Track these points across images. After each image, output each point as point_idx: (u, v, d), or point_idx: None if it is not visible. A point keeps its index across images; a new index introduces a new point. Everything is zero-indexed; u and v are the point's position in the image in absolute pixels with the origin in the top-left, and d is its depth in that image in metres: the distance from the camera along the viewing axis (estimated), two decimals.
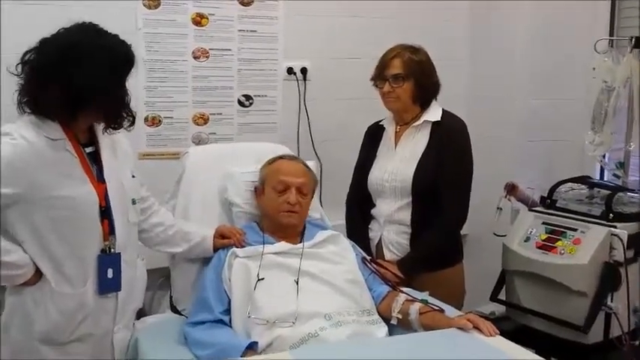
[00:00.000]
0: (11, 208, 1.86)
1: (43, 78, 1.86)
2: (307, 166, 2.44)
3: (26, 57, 1.89)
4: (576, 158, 3.27)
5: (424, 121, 2.55)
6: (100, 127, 2.03)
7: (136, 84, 2.90)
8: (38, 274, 1.93)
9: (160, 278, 2.93)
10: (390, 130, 2.64)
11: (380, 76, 2.56)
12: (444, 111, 2.59)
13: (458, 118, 2.60)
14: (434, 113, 2.57)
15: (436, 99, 2.60)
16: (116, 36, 1.94)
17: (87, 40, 1.88)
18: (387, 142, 2.64)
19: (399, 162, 2.56)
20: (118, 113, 1.98)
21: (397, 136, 2.62)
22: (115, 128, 2.01)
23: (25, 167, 1.83)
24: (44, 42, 1.90)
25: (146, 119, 2.98)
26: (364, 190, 2.67)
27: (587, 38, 3.16)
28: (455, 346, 1.90)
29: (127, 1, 2.87)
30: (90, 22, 1.94)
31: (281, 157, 2.44)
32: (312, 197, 2.43)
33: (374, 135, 2.72)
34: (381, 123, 2.70)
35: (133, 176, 2.13)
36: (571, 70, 3.25)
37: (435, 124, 2.55)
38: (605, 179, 3.09)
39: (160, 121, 3.02)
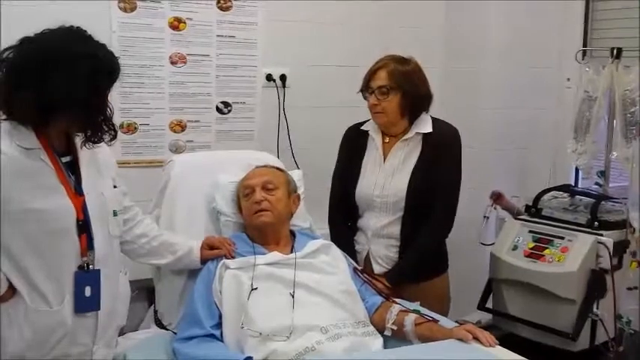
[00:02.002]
0: None
1: (18, 79, 1.75)
2: (277, 168, 2.41)
3: (4, 55, 1.77)
4: (548, 166, 3.31)
5: (415, 133, 2.50)
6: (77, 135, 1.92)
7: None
8: (12, 290, 1.80)
9: (134, 291, 2.84)
10: (377, 140, 2.56)
11: (366, 88, 2.49)
12: (434, 120, 2.53)
13: (449, 126, 2.55)
14: (424, 124, 2.50)
15: (427, 111, 2.54)
16: (103, 45, 1.84)
17: (70, 45, 1.77)
18: (375, 154, 2.56)
19: (389, 176, 2.50)
20: (96, 125, 1.86)
21: (385, 148, 2.54)
22: (94, 142, 1.88)
23: None
24: (25, 41, 1.78)
25: (121, 126, 2.88)
26: (348, 200, 2.59)
27: (556, 47, 3.22)
28: (458, 357, 1.88)
29: (100, 3, 2.76)
30: (78, 27, 1.83)
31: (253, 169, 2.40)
32: (292, 196, 2.36)
33: (356, 141, 2.62)
34: (363, 128, 2.61)
35: (115, 186, 2.02)
36: (541, 79, 3.30)
37: (426, 134, 2.50)
38: (580, 186, 3.12)
39: (135, 128, 2.92)
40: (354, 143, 2.62)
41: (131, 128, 2.91)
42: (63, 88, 1.73)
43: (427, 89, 2.52)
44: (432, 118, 2.54)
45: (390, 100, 2.44)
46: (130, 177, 2.77)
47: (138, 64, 2.87)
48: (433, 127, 2.49)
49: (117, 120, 2.80)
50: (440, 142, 2.48)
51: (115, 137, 1.93)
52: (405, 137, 2.50)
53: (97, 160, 1.97)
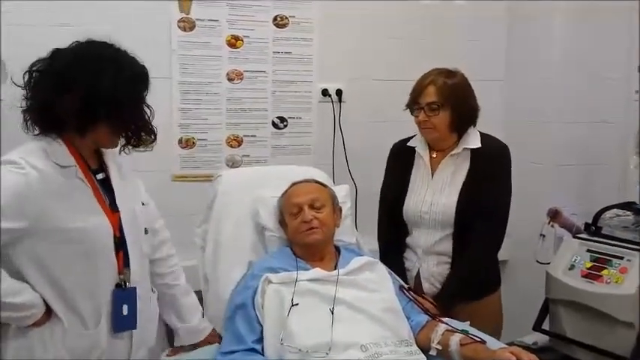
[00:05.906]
0: (16, 244, 1.71)
1: (58, 85, 1.74)
2: (320, 183, 2.40)
3: (35, 67, 1.79)
4: (614, 183, 3.17)
5: (463, 148, 2.46)
6: (108, 152, 1.92)
7: (170, 106, 2.92)
8: (47, 314, 1.79)
9: None
10: (425, 156, 2.52)
11: (414, 103, 2.45)
12: (482, 135, 2.48)
13: (498, 142, 2.49)
14: (473, 139, 2.46)
15: (475, 125, 2.49)
16: (133, 56, 1.86)
17: (106, 51, 1.81)
18: (422, 170, 2.53)
19: (438, 192, 2.46)
20: (137, 128, 1.85)
21: (433, 163, 2.51)
22: (134, 145, 1.89)
23: (35, 198, 1.69)
24: (57, 51, 1.81)
25: (180, 141, 2.97)
26: (397, 218, 2.56)
27: (624, 59, 3.08)
28: None
29: (161, 22, 2.85)
30: (103, 40, 1.85)
31: (293, 184, 2.39)
32: (336, 210, 2.36)
33: (403, 157, 2.59)
34: (409, 144, 2.58)
35: (143, 203, 2.02)
36: (607, 92, 3.17)
37: (474, 149, 2.45)
38: None
39: (193, 143, 3.00)
40: (401, 160, 2.59)
41: (189, 143, 2.99)
42: (107, 90, 1.74)
43: (475, 102, 2.46)
44: (480, 133, 2.48)
45: (440, 117, 2.40)
46: (186, 191, 2.90)
47: (196, 81, 2.95)
48: (482, 143, 2.44)
49: (176, 135, 2.95)
50: (489, 158, 2.42)
51: (154, 140, 1.92)
52: (452, 152, 2.46)
53: (125, 177, 1.97)
